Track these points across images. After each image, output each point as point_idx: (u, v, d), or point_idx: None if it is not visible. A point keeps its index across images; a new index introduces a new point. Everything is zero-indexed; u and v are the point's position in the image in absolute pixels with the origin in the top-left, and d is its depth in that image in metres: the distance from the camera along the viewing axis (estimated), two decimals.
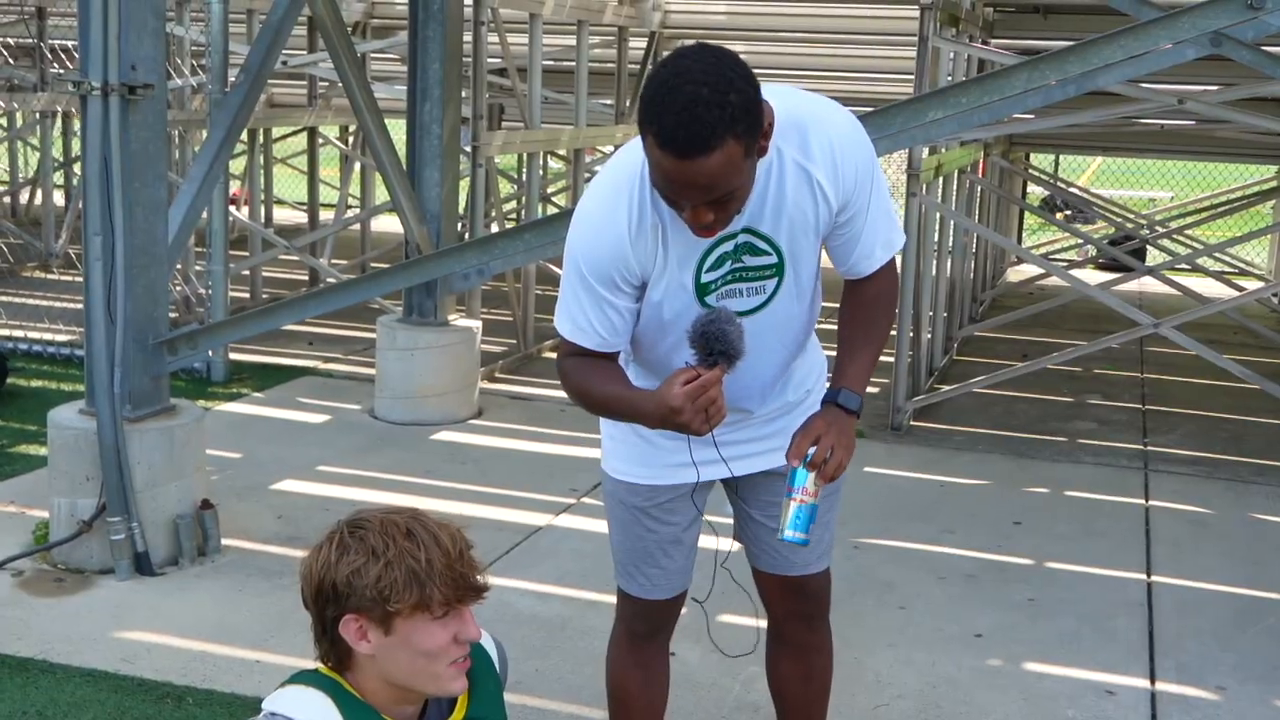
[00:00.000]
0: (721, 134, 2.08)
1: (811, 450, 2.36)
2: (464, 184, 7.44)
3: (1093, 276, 11.35)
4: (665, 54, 2.22)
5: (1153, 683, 3.90)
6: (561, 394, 7.02)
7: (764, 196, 2.33)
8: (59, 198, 11.89)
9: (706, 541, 2.77)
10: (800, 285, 2.46)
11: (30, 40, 10.81)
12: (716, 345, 2.20)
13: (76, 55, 4.40)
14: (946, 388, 7.18)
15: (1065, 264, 11.30)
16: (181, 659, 3.82)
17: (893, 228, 2.49)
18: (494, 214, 7.95)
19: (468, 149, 7.17)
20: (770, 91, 2.29)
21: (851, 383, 2.47)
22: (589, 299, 2.38)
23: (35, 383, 6.93)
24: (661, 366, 2.49)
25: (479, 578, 1.93)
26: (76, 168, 11.30)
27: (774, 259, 2.40)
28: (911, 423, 6.76)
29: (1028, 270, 12.13)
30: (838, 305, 2.59)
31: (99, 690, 3.60)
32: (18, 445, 5.83)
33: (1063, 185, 12.27)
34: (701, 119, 2.06)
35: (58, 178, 11.98)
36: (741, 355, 2.21)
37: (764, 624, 2.93)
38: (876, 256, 2.48)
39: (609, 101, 9.58)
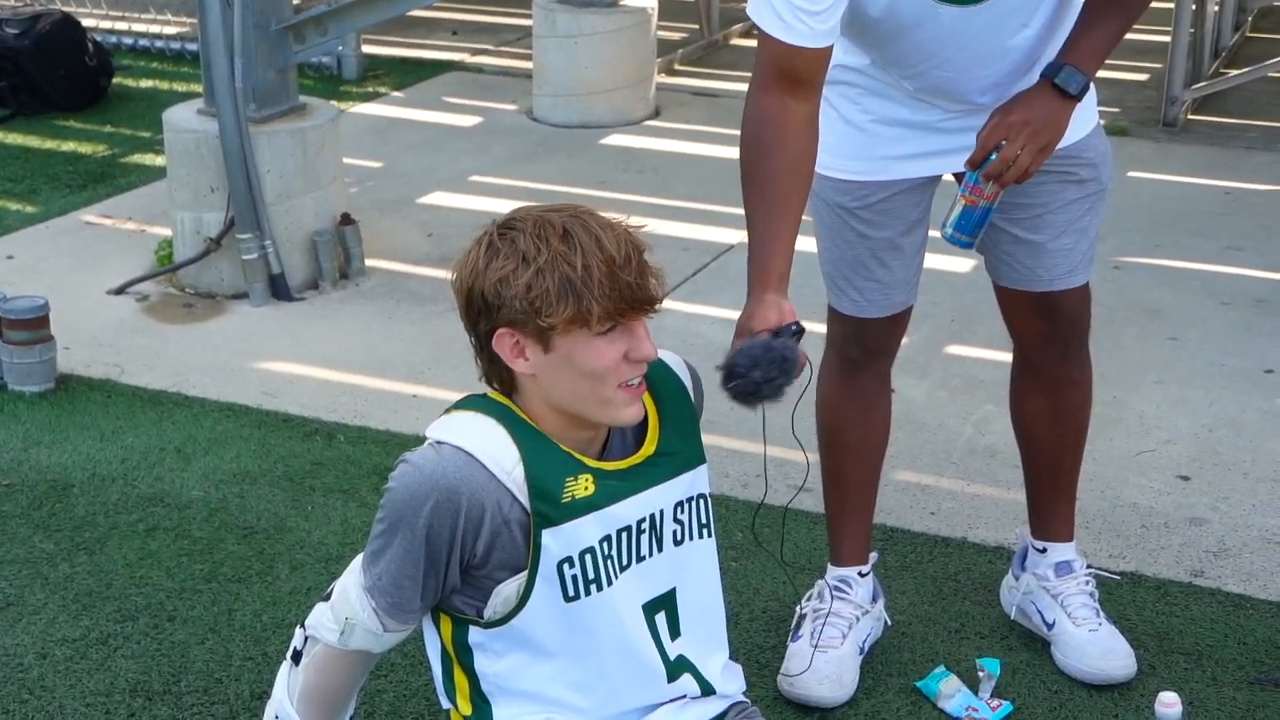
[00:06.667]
0: None
1: (993, 156, 2.37)
2: None
3: None
4: None
5: None
6: None
7: None
8: None
9: (934, 261, 2.73)
10: None
11: None
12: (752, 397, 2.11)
13: None
14: (1235, 72, 6.85)
15: None
16: (329, 392, 4.00)
17: None
18: None
19: None
20: None
21: (1080, 59, 2.41)
22: None
23: (145, 83, 7.12)
24: (904, 58, 2.45)
25: (651, 288, 1.94)
26: None
27: None
28: (1190, 116, 6.49)
29: None
30: None
31: (240, 425, 3.81)
32: (132, 155, 6.04)
33: None
34: None
35: None
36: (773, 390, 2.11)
37: (1008, 355, 2.90)
38: None
39: None
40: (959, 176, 2.63)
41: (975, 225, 2.47)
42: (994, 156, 2.42)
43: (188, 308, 4.57)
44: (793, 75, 2.35)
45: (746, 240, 2.37)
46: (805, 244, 2.81)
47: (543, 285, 1.89)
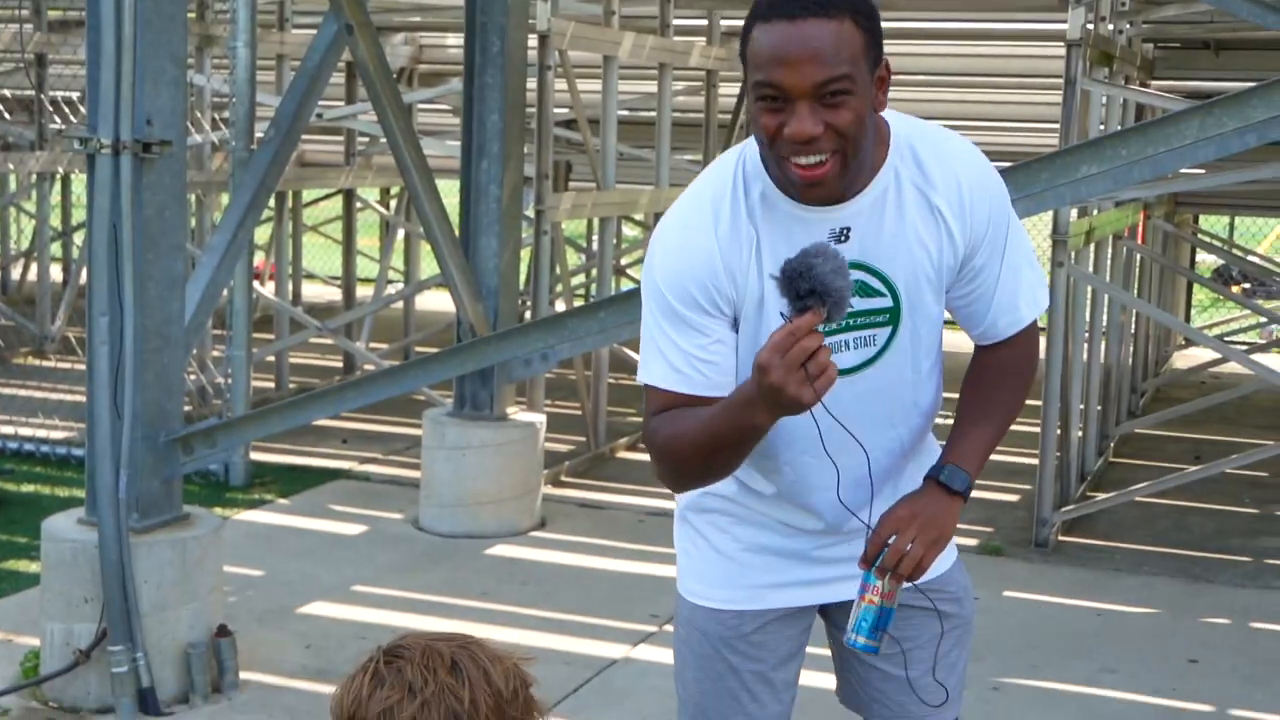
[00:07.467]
0: (840, 5, 2.15)
1: (885, 550, 2.33)
2: (525, 254, 7.53)
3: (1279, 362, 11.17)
4: None
5: None
6: (640, 501, 7.06)
7: (879, 224, 2.33)
8: (56, 272, 12.20)
9: (809, 678, 2.73)
10: (918, 344, 2.44)
11: (28, 92, 11.16)
12: (803, 284, 2.05)
13: (81, 108, 4.54)
14: (1102, 496, 7.08)
15: (1245, 346, 11.15)
16: None
17: (1038, 280, 2.49)
18: (560, 289, 8.04)
19: (530, 213, 7.27)
20: (887, 113, 2.33)
21: (962, 459, 2.43)
22: (680, 332, 2.34)
23: (26, 487, 7.08)
24: (767, 445, 2.41)
25: None
26: (78, 238, 11.61)
27: (889, 301, 2.38)
28: (1060, 538, 6.66)
29: (1198, 355, 11.98)
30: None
31: None
32: (6, 561, 5.94)
33: (1240, 253, 12.15)
34: None
35: (55, 249, 12.29)
36: (839, 295, 2.06)
37: None
38: (1022, 314, 2.47)
39: (694, 157, 9.68)
40: (826, 615, 2.64)
41: (874, 625, 2.42)
42: (885, 551, 2.38)
43: None
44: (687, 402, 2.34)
45: (716, 443, 2.28)
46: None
47: (428, 717, 1.87)
